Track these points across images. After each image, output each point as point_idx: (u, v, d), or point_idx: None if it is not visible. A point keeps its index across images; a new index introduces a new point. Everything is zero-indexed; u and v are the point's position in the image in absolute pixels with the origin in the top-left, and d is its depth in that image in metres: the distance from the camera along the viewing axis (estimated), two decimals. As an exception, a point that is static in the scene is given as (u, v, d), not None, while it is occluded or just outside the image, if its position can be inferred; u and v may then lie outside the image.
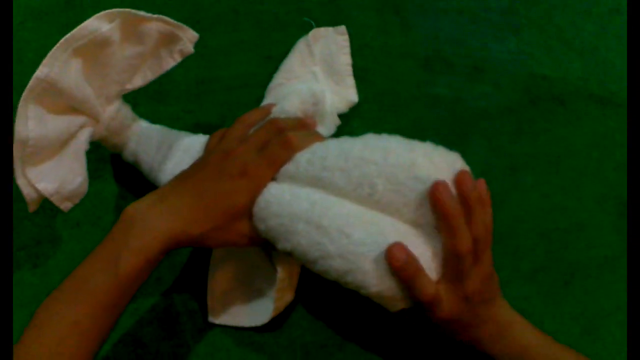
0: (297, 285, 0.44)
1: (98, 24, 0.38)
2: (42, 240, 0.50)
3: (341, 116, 0.49)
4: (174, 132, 0.46)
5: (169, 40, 0.41)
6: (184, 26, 0.41)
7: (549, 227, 0.46)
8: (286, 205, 0.37)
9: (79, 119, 0.41)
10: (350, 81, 0.50)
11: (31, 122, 0.37)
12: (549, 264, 0.46)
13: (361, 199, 0.36)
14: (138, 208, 0.38)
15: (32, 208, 0.41)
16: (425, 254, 0.35)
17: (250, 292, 0.46)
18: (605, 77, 0.49)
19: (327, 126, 0.47)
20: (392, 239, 0.35)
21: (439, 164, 0.36)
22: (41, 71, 0.37)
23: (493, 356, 0.39)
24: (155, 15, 0.40)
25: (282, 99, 0.46)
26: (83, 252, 0.49)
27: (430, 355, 0.45)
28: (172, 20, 0.40)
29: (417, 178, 0.35)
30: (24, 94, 0.37)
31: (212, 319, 0.46)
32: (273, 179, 0.39)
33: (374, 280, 0.34)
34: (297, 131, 0.41)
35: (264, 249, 0.46)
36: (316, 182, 0.38)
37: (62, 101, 0.39)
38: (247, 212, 0.39)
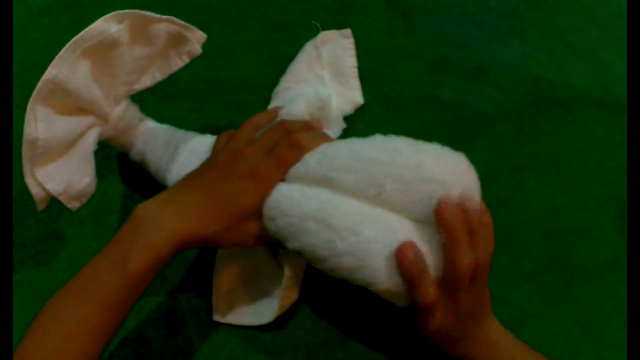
0: (301, 284, 0.44)
1: (107, 25, 0.38)
2: (46, 238, 0.50)
3: (347, 117, 0.49)
4: (181, 132, 0.46)
5: (177, 41, 0.41)
6: (192, 27, 0.41)
7: (551, 228, 0.46)
8: (296, 205, 0.37)
9: (87, 120, 0.41)
10: (356, 83, 0.50)
11: (40, 123, 0.37)
12: (550, 265, 0.45)
13: (369, 198, 0.36)
14: (147, 208, 0.37)
15: (40, 207, 0.40)
16: (430, 252, 0.35)
17: (255, 291, 0.45)
18: (607, 81, 0.49)
19: (333, 129, 0.47)
20: (400, 236, 0.35)
21: (445, 164, 0.36)
22: (50, 72, 0.37)
23: None
24: (164, 16, 0.39)
25: (289, 103, 0.46)
26: (87, 250, 0.50)
27: (433, 354, 0.45)
28: (180, 21, 0.40)
29: (424, 178, 0.35)
30: (33, 95, 0.37)
31: (216, 318, 0.45)
32: (282, 179, 0.39)
33: (383, 277, 0.34)
34: (305, 133, 0.41)
35: (270, 248, 0.46)
36: (325, 182, 0.38)
37: (70, 102, 0.39)
38: (256, 213, 0.38)
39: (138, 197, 0.50)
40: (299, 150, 0.39)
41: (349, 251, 0.35)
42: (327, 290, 0.46)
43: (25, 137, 0.37)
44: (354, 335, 0.45)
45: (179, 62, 0.42)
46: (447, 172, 0.36)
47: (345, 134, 0.49)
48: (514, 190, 0.47)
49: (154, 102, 0.51)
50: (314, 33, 0.51)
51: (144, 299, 0.46)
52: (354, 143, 0.38)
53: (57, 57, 0.37)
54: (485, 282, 0.38)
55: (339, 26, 0.51)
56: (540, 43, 0.51)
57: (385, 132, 0.39)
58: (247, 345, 0.46)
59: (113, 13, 0.38)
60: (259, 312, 0.45)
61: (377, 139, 0.38)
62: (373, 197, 0.36)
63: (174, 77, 0.43)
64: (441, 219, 0.35)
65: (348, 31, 0.50)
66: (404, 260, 0.34)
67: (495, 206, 0.38)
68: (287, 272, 0.41)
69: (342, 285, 0.39)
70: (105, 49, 0.38)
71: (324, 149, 0.39)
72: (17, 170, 0.48)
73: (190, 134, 0.46)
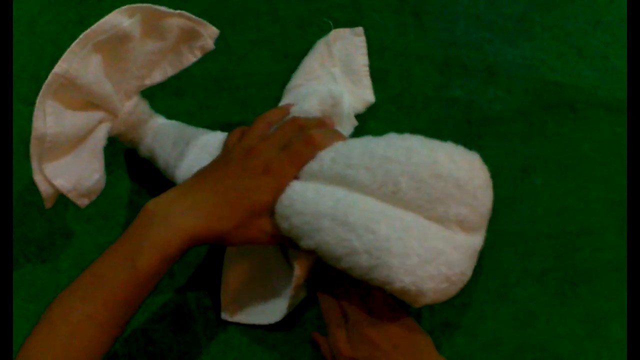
0: (309, 282, 0.44)
1: (119, 19, 0.37)
2: (52, 234, 0.49)
3: (358, 116, 0.48)
4: (191, 129, 0.45)
5: (189, 36, 0.40)
6: (205, 22, 0.40)
7: (557, 228, 0.46)
8: (310, 203, 0.36)
9: (97, 115, 0.40)
10: (367, 81, 0.49)
11: (49, 118, 0.36)
12: (556, 266, 0.45)
13: (385, 196, 0.36)
14: (159, 203, 0.36)
15: (48, 204, 0.40)
16: (445, 250, 0.35)
17: (264, 289, 0.45)
18: (615, 85, 0.49)
19: (344, 127, 0.46)
20: (415, 235, 0.35)
21: (459, 162, 0.36)
22: (60, 67, 0.36)
23: None
24: (177, 11, 0.39)
25: (301, 100, 0.45)
26: (94, 246, 0.49)
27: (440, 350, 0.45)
28: (193, 16, 0.39)
29: (439, 176, 0.35)
30: (42, 89, 0.36)
31: (224, 317, 0.45)
32: (296, 177, 0.38)
33: (399, 276, 0.34)
34: (319, 130, 0.40)
35: (279, 246, 0.45)
36: (340, 180, 0.37)
37: (80, 97, 0.38)
38: (269, 210, 0.38)
39: (146, 194, 0.50)
40: (313, 147, 0.38)
41: (366, 249, 0.34)
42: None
43: (33, 132, 0.36)
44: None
45: (191, 57, 0.41)
46: (461, 170, 0.36)
47: (356, 133, 0.48)
48: (522, 190, 0.47)
49: (164, 97, 0.50)
50: (326, 31, 0.50)
51: (151, 296, 0.45)
52: (369, 141, 0.38)
53: (67, 51, 0.36)
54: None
55: (351, 24, 0.50)
56: (550, 46, 0.50)
57: (396, 130, 0.38)
58: (255, 344, 0.45)
59: (125, 7, 0.37)
60: (268, 311, 0.44)
61: (392, 137, 0.38)
62: (389, 195, 0.36)
63: (184, 73, 0.42)
64: None
65: (360, 29, 0.50)
66: None
67: (502, 206, 0.38)
68: (297, 270, 0.41)
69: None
70: (117, 43, 0.38)
71: (338, 147, 0.38)
72: (23, 165, 0.47)
73: (201, 130, 0.45)
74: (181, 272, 0.47)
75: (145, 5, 0.38)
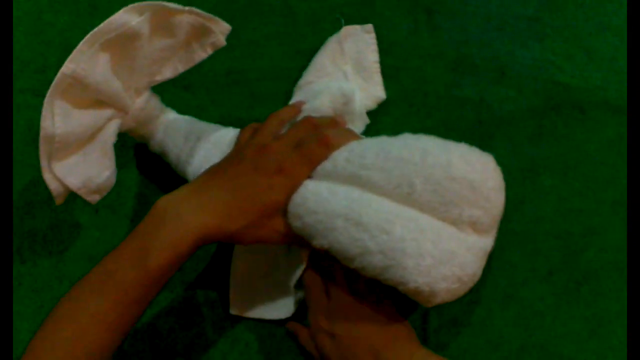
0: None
1: (127, 17, 0.36)
2: (59, 226, 0.48)
3: (370, 114, 0.48)
4: (203, 124, 0.45)
5: (200, 32, 0.39)
6: (216, 18, 0.39)
7: (564, 229, 0.46)
8: (324, 202, 0.36)
9: (107, 112, 0.39)
10: (378, 78, 0.49)
11: (57, 118, 0.36)
12: (562, 266, 0.45)
13: (399, 197, 0.36)
14: (170, 201, 0.36)
15: (58, 201, 0.39)
16: (459, 252, 0.35)
17: (273, 285, 0.44)
18: (622, 87, 0.49)
19: (356, 125, 0.46)
20: (430, 236, 0.34)
21: (474, 164, 0.36)
22: (67, 67, 0.35)
23: None
24: (187, 8, 0.38)
25: (313, 97, 0.44)
26: (101, 239, 0.48)
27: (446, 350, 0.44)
28: (203, 13, 0.38)
29: (453, 178, 0.35)
30: (50, 89, 0.35)
31: (233, 311, 0.44)
32: (309, 176, 0.38)
33: (414, 277, 0.33)
34: (332, 129, 0.40)
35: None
36: (354, 180, 0.37)
37: (89, 95, 0.37)
38: (282, 209, 0.37)
39: (155, 188, 0.49)
40: (327, 147, 0.37)
41: (380, 250, 0.34)
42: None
43: (42, 132, 0.35)
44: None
45: (202, 53, 0.40)
46: (475, 172, 0.35)
47: (368, 130, 0.48)
48: (530, 190, 0.47)
49: (175, 92, 0.49)
50: (339, 28, 0.50)
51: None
52: (384, 142, 0.37)
53: (75, 51, 0.35)
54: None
55: (364, 21, 0.50)
56: (560, 48, 0.50)
57: (408, 128, 0.38)
58: (263, 339, 0.45)
59: (134, 5, 0.36)
60: (276, 306, 0.44)
61: (407, 138, 0.38)
62: (403, 196, 0.35)
63: (196, 68, 0.41)
64: None
65: (370, 26, 0.49)
66: None
67: (511, 205, 0.38)
68: (305, 266, 0.41)
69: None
70: (126, 41, 0.37)
71: (352, 146, 0.38)
72: (30, 157, 0.47)
73: (212, 126, 0.45)
74: (190, 265, 0.47)
75: (154, 2, 0.37)
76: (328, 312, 0.39)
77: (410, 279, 0.34)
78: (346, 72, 0.48)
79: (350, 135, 0.40)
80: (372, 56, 0.49)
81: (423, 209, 0.35)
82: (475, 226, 0.36)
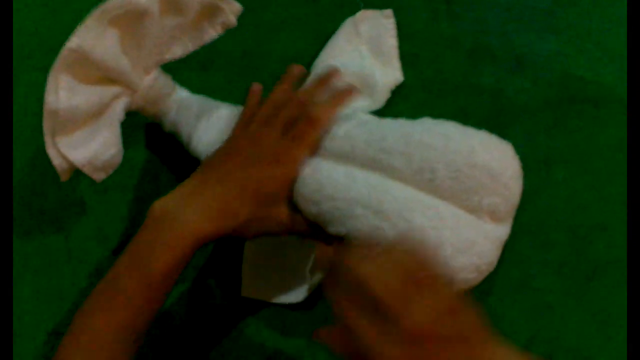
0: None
1: None
2: (67, 206, 0.47)
3: (388, 100, 0.47)
4: (215, 103, 0.44)
5: (210, 11, 0.39)
6: None
7: (575, 223, 0.45)
8: (342, 188, 0.35)
9: (114, 90, 0.38)
10: (396, 63, 0.48)
11: (62, 92, 0.35)
12: (573, 259, 0.44)
13: (420, 183, 0.35)
14: (166, 204, 0.35)
15: (64, 178, 0.38)
16: (478, 241, 0.34)
17: (285, 269, 0.43)
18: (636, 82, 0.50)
19: (377, 99, 0.45)
20: (449, 224, 0.34)
21: (493, 151, 0.35)
22: (72, 42, 0.34)
23: None
24: None
25: None
26: (110, 219, 0.47)
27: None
28: None
29: (475, 165, 0.34)
30: (54, 64, 0.35)
31: (244, 293, 0.43)
32: (323, 155, 0.37)
33: None
34: (319, 96, 0.38)
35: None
36: (372, 164, 0.36)
37: (96, 72, 0.37)
38: (284, 198, 0.36)
39: (166, 168, 0.48)
40: (317, 125, 0.36)
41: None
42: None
43: (45, 107, 0.35)
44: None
45: (212, 32, 0.39)
46: (495, 159, 0.35)
47: (385, 116, 0.47)
48: (544, 182, 0.47)
49: (191, 71, 0.48)
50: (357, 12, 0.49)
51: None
52: (404, 125, 0.36)
53: (81, 26, 0.34)
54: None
55: (384, 7, 0.49)
56: (575, 41, 0.50)
57: (425, 115, 0.38)
58: (274, 323, 0.44)
59: None
60: (289, 291, 0.43)
61: (427, 122, 0.37)
62: (424, 183, 0.34)
63: (212, 48, 0.41)
64: None
65: (389, 11, 0.49)
66: None
67: (524, 196, 0.37)
68: (317, 253, 0.39)
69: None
70: (134, 18, 0.36)
71: (372, 128, 0.36)
72: (40, 134, 0.46)
73: (225, 105, 0.44)
74: (201, 249, 0.46)
75: None
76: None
77: None
78: (362, 52, 0.47)
79: (338, 99, 0.39)
80: (390, 41, 0.48)
81: (443, 195, 0.35)
82: (493, 214, 0.35)
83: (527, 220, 0.45)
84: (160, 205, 0.35)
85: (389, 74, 0.48)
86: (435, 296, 0.28)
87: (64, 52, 0.35)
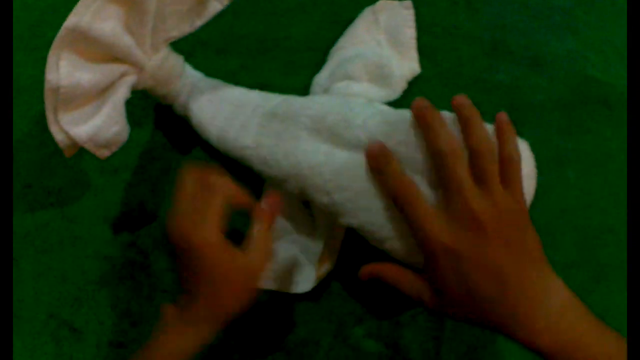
0: (338, 254, 0.42)
1: None
2: (74, 186, 0.46)
3: (405, 91, 0.46)
4: (228, 86, 0.43)
5: None
6: None
7: (584, 223, 0.45)
8: (358, 180, 0.34)
9: (120, 68, 0.37)
10: (414, 54, 0.47)
11: (63, 70, 0.34)
12: (580, 260, 0.44)
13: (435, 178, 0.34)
14: (170, 313, 0.35)
15: (68, 154, 0.37)
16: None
17: (292, 257, 0.43)
18: (650, 87, 0.49)
19: (394, 89, 0.45)
20: None
21: None
22: (70, 20, 0.33)
23: (531, 350, 0.29)
24: None
25: (346, 62, 0.43)
26: (118, 200, 0.46)
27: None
28: None
29: None
30: (54, 42, 0.33)
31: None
32: (337, 144, 0.36)
33: None
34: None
35: (309, 215, 0.44)
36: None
37: (98, 50, 0.35)
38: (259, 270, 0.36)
39: (176, 152, 0.47)
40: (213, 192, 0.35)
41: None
42: (364, 262, 0.44)
43: (46, 85, 0.34)
44: (387, 309, 0.43)
45: (217, 5, 0.38)
46: None
47: (401, 107, 0.46)
48: (555, 181, 0.46)
49: (206, 55, 0.47)
50: (376, 0, 0.48)
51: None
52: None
53: (79, 4, 0.33)
54: (521, 194, 0.31)
55: (403, -2, 0.49)
56: (592, 43, 0.50)
57: (441, 108, 0.37)
58: (277, 313, 0.43)
59: None
60: (295, 280, 0.42)
61: (446, 116, 0.37)
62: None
63: (228, 31, 0.40)
64: (415, 114, 0.33)
65: (409, 3, 0.48)
66: (372, 149, 0.33)
67: (536, 195, 0.37)
68: (324, 242, 0.39)
69: (380, 256, 0.37)
70: None
71: (389, 116, 0.36)
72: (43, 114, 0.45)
73: (237, 88, 0.43)
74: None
75: None
76: (439, 215, 0.32)
77: None
78: (380, 41, 0.47)
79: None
80: (409, 32, 0.48)
81: None
82: None
83: (536, 220, 0.45)
84: (165, 311, 0.35)
85: (406, 65, 0.47)
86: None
87: (62, 31, 0.34)
